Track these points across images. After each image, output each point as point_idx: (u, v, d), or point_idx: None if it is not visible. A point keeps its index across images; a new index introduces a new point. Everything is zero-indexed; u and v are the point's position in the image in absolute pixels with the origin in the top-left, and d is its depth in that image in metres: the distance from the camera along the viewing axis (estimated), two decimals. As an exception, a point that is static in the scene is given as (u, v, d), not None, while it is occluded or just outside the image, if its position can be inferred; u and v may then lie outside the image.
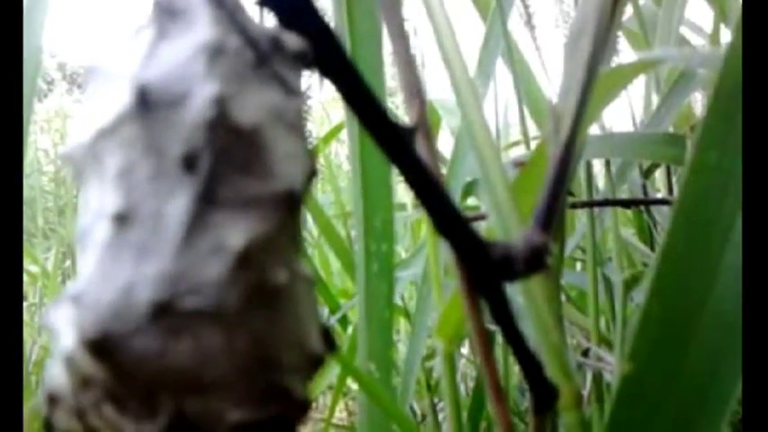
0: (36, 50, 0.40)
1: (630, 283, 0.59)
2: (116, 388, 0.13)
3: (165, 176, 0.13)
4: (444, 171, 0.59)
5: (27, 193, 2.06)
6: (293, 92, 0.14)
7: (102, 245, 0.13)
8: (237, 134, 0.13)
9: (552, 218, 0.18)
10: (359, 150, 0.38)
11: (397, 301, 0.93)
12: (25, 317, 1.30)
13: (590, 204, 0.51)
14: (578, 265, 0.91)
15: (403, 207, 1.06)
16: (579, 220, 0.73)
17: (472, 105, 0.24)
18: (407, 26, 0.23)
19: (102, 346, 0.12)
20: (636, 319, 0.20)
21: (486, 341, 0.19)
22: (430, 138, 0.20)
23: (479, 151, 0.21)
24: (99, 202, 0.13)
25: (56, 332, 0.13)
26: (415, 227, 1.10)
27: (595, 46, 0.21)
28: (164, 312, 0.12)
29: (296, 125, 0.14)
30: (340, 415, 1.19)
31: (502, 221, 0.21)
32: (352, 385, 1.08)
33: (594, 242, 0.57)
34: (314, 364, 0.14)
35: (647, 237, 0.77)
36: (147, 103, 0.13)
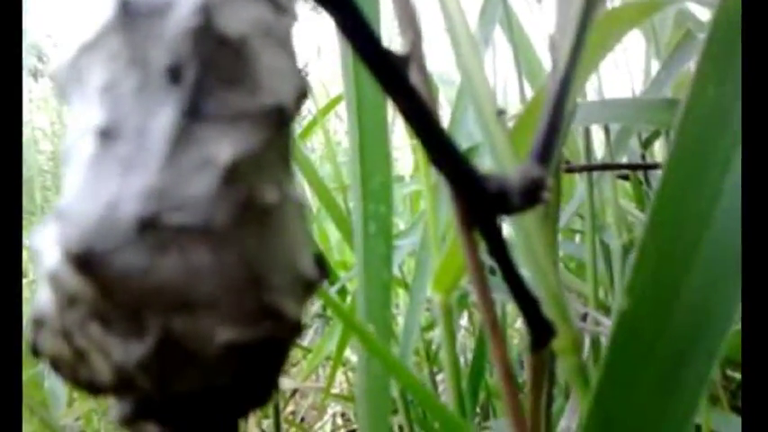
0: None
1: (628, 248, 0.59)
2: (102, 306, 0.12)
3: (150, 89, 0.12)
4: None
5: (24, 171, 2.05)
6: (284, 9, 0.14)
7: (87, 161, 0.13)
8: (224, 45, 0.13)
9: (550, 151, 0.18)
10: (356, 112, 0.38)
11: (396, 272, 0.93)
12: (25, 293, 1.30)
13: (588, 168, 0.51)
14: (577, 238, 0.91)
15: (401, 179, 1.05)
16: (577, 190, 0.73)
17: (470, 55, 0.23)
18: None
19: (86, 260, 0.12)
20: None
21: (482, 277, 0.18)
22: (424, 69, 0.19)
23: (477, 101, 0.21)
24: (83, 118, 0.13)
25: (41, 253, 0.13)
26: (414, 200, 1.10)
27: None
28: (149, 228, 0.12)
29: (285, 42, 0.14)
30: (340, 386, 1.20)
31: (499, 165, 0.20)
32: (351, 356, 1.09)
33: (593, 207, 0.57)
34: (306, 288, 0.14)
35: (646, 207, 0.76)
36: (130, 14, 0.12)
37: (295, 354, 1.32)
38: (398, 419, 0.90)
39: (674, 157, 0.19)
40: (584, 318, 0.66)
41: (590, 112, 0.56)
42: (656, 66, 0.74)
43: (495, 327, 0.18)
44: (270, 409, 0.91)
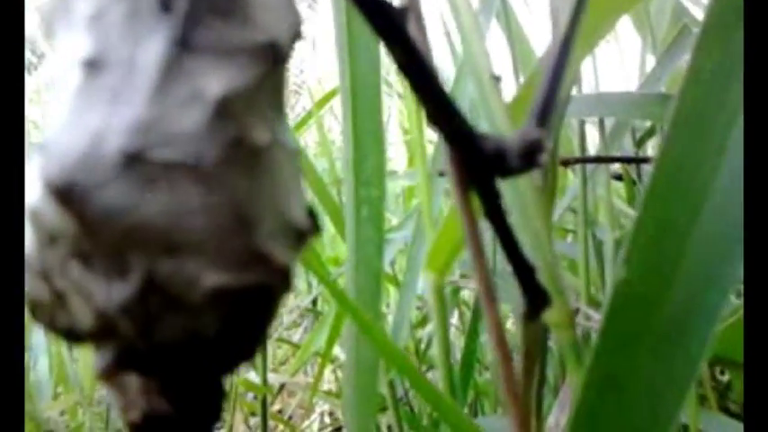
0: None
1: (621, 243, 0.58)
2: (84, 244, 0.12)
3: (139, 19, 0.12)
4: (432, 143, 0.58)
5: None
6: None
7: (72, 93, 0.12)
8: (217, -26, 0.12)
9: (549, 114, 0.17)
10: (350, 93, 0.37)
11: (387, 269, 0.92)
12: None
13: (583, 161, 0.51)
14: (569, 238, 0.91)
15: (393, 175, 1.05)
16: (571, 186, 0.73)
17: (469, 22, 0.23)
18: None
19: (69, 194, 0.11)
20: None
21: (478, 242, 0.18)
22: (422, 21, 0.19)
23: (474, 67, 0.21)
24: (70, 48, 0.12)
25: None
26: (407, 196, 1.10)
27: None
28: (135, 162, 0.12)
29: (280, -20, 0.13)
30: (329, 386, 1.19)
31: (494, 129, 0.20)
32: (340, 354, 1.08)
33: (586, 201, 0.56)
34: (298, 238, 0.14)
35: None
36: (120, -59, 0.12)
37: (284, 352, 1.31)
38: (387, 419, 0.89)
39: (675, 126, 0.18)
40: (575, 313, 0.65)
41: (585, 106, 0.56)
42: (651, 62, 0.74)
43: (490, 292, 0.18)
44: (257, 407, 0.91)
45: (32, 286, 0.13)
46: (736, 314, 0.43)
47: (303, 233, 0.14)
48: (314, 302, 1.03)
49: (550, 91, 0.18)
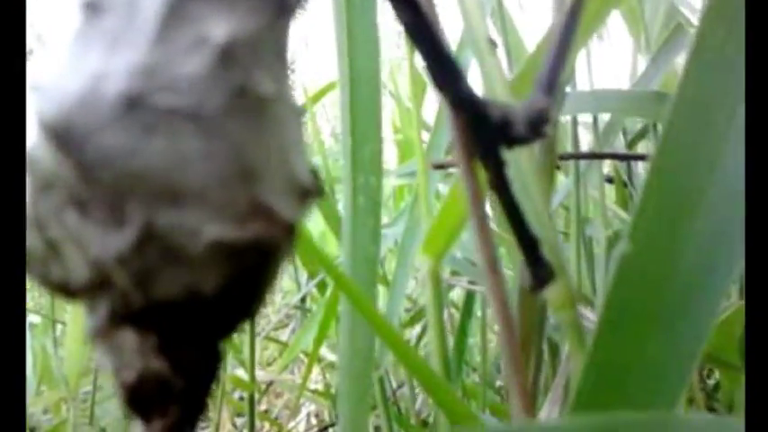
0: None
1: (613, 241, 0.58)
2: (81, 190, 0.11)
3: (142, -40, 0.12)
4: (427, 139, 0.58)
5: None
6: None
7: (71, 35, 0.12)
8: None
9: (555, 83, 0.17)
10: (349, 79, 0.37)
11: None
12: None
13: (576, 157, 0.51)
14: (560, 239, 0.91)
15: (387, 174, 1.05)
16: (563, 183, 0.73)
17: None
18: None
19: (66, 136, 0.11)
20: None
21: (482, 211, 0.18)
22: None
23: (473, 33, 0.20)
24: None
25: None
26: (398, 196, 1.10)
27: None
28: (136, 107, 0.11)
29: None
30: (316, 386, 1.19)
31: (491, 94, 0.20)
32: (328, 355, 1.07)
33: (579, 198, 0.56)
34: (301, 195, 0.13)
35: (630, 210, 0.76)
36: None
37: (271, 353, 1.30)
38: (374, 420, 0.89)
39: (680, 102, 0.18)
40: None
41: (579, 102, 0.56)
42: (642, 63, 0.74)
43: (493, 262, 0.17)
44: (244, 407, 0.90)
45: (26, 236, 0.12)
46: (724, 313, 0.43)
47: (307, 191, 0.13)
48: (302, 300, 1.03)
49: (557, 60, 0.17)
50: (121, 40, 0.11)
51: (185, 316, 0.13)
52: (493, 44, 0.21)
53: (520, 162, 0.21)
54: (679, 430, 0.14)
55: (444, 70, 0.16)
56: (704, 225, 0.18)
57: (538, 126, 0.17)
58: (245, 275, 0.13)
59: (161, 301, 0.13)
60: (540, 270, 0.19)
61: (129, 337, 0.13)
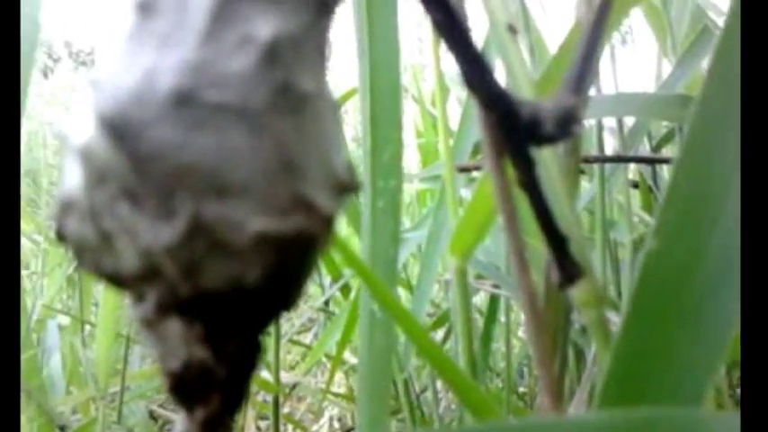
0: (34, 26, 0.38)
1: (638, 245, 0.58)
2: (133, 183, 0.12)
3: (192, -36, 0.12)
4: (452, 141, 0.59)
5: (31, 165, 2.06)
6: None
7: (126, 34, 0.12)
8: None
9: (584, 82, 0.18)
10: (369, 81, 0.37)
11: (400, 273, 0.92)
12: (27, 284, 1.30)
13: (602, 160, 0.51)
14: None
15: (409, 179, 1.05)
16: (587, 187, 0.73)
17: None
18: None
19: (121, 129, 0.12)
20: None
21: (511, 206, 0.18)
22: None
23: (494, 23, 0.21)
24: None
25: (71, 134, 0.13)
26: (420, 199, 1.10)
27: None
28: (186, 102, 0.12)
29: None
30: (340, 389, 1.19)
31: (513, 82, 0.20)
32: (351, 358, 1.08)
33: (603, 201, 0.56)
34: (339, 189, 0.14)
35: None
36: None
37: (293, 357, 1.31)
38: (397, 426, 0.89)
39: (706, 99, 0.18)
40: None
41: (604, 106, 0.56)
42: (667, 67, 0.74)
43: (523, 257, 0.18)
44: (268, 409, 0.90)
45: (79, 227, 0.13)
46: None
47: (345, 185, 0.14)
48: (326, 304, 1.03)
49: (585, 60, 0.18)
50: (172, 39, 0.12)
51: (229, 306, 0.14)
52: (513, 31, 0.21)
53: (545, 162, 0.21)
54: (704, 427, 0.14)
55: (475, 68, 0.16)
56: (728, 222, 0.18)
57: (567, 125, 0.17)
58: (286, 266, 0.13)
59: (207, 291, 0.13)
60: (568, 267, 0.19)
61: (174, 327, 0.14)
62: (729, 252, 0.18)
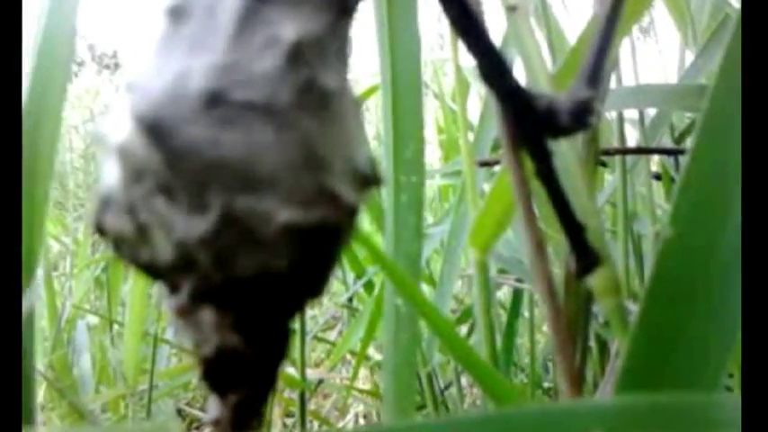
0: (70, 32, 0.39)
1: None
2: (168, 178, 0.13)
3: (219, -29, 0.13)
4: (471, 137, 0.59)
5: (58, 168, 2.09)
6: None
7: (158, 39, 0.13)
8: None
9: (599, 74, 0.18)
10: (390, 78, 0.38)
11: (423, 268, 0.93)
12: (56, 286, 1.32)
13: (623, 152, 0.51)
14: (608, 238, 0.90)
15: (431, 175, 1.05)
16: (609, 180, 0.73)
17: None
18: None
19: (157, 128, 0.12)
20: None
21: (528, 197, 0.18)
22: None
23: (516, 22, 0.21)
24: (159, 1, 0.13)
25: (110, 133, 0.13)
26: (443, 195, 1.10)
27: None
28: (216, 101, 0.13)
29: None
30: (364, 386, 1.20)
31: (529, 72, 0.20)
32: (375, 355, 1.09)
33: (625, 193, 0.56)
34: (362, 183, 0.14)
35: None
36: None
37: (318, 355, 1.32)
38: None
39: (720, 83, 0.19)
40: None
41: (625, 98, 0.56)
42: (690, 58, 0.73)
43: (540, 246, 0.18)
44: (294, 405, 0.91)
45: (118, 221, 0.14)
46: None
47: (367, 179, 0.15)
48: (350, 300, 1.04)
49: (600, 51, 0.18)
50: (202, 43, 0.13)
51: (259, 294, 0.14)
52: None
53: (563, 153, 0.21)
54: (720, 411, 0.15)
55: (491, 63, 0.17)
56: (742, 209, 0.19)
57: (582, 116, 0.17)
58: (312, 255, 0.14)
59: (238, 280, 0.14)
60: (585, 256, 0.19)
61: (208, 315, 0.14)
62: (741, 238, 0.18)
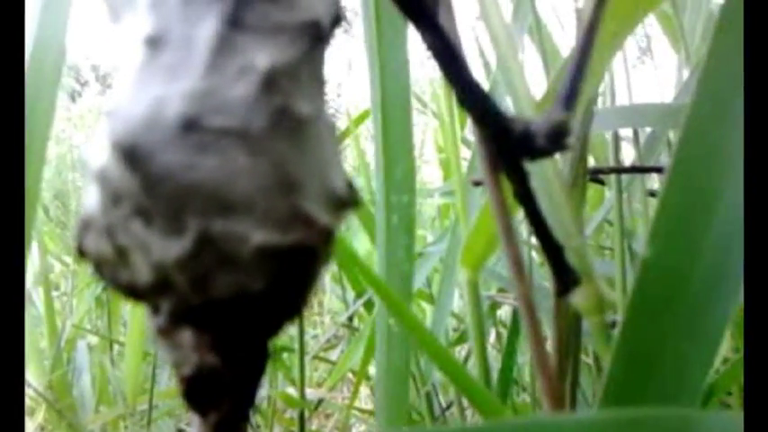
0: (59, 52, 0.39)
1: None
2: (145, 202, 0.13)
3: (195, 2, 0.13)
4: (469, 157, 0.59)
5: (60, 187, 2.10)
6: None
7: (135, 68, 0.13)
8: (264, -40, 0.13)
9: (575, 98, 0.18)
10: (380, 99, 0.38)
11: (422, 286, 0.93)
12: (57, 305, 1.32)
13: (617, 171, 0.51)
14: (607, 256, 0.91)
15: (431, 193, 1.06)
16: (606, 202, 0.73)
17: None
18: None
19: (133, 154, 0.13)
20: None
21: (508, 221, 0.19)
22: (451, 10, 0.20)
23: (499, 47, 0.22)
24: (133, 30, 0.14)
25: (90, 158, 0.14)
26: (443, 213, 1.11)
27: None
28: (192, 127, 0.13)
29: (321, -32, 0.14)
30: (366, 406, 1.19)
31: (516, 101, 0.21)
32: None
33: (621, 211, 0.56)
34: (338, 206, 0.15)
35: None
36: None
37: (319, 375, 1.32)
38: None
39: (699, 98, 0.19)
40: (612, 325, 0.65)
41: (619, 117, 0.57)
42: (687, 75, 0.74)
43: (519, 265, 0.19)
44: (294, 425, 0.91)
45: (98, 243, 0.14)
46: None
47: (343, 201, 0.15)
48: (350, 320, 1.04)
49: (576, 75, 0.18)
50: (179, 70, 0.13)
51: (237, 315, 0.15)
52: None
53: (546, 173, 0.22)
54: (700, 426, 0.15)
55: (467, 88, 0.17)
56: (720, 228, 0.19)
57: (558, 138, 0.18)
58: (288, 277, 0.14)
59: (215, 301, 0.14)
60: (565, 275, 0.20)
61: (187, 336, 0.15)
62: (720, 255, 0.18)
